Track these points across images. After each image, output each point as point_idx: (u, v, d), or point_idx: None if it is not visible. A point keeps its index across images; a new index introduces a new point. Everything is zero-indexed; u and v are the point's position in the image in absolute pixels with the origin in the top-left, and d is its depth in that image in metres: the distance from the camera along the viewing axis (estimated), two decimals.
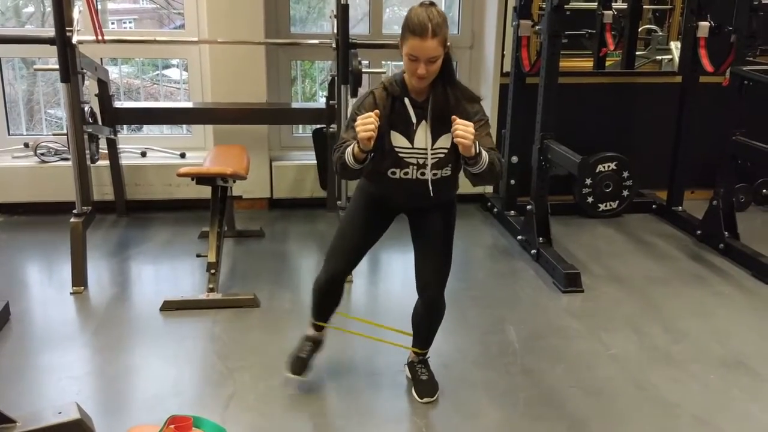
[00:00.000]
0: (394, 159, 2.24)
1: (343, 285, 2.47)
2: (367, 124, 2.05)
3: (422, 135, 2.22)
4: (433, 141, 2.23)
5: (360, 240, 2.42)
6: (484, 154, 2.14)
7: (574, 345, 2.92)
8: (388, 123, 2.19)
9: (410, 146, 2.23)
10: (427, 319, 2.49)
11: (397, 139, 2.23)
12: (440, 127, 2.22)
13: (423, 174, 2.25)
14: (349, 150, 2.14)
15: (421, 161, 2.24)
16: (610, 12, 4.41)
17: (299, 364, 2.54)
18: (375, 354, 2.73)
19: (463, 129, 2.05)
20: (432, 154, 2.23)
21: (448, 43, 2.15)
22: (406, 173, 2.26)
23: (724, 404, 2.53)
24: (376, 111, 2.10)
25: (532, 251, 3.77)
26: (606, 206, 4.43)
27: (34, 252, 3.81)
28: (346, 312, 3.24)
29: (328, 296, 2.50)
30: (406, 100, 2.22)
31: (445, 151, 2.24)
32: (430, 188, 2.26)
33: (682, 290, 3.48)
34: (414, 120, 2.22)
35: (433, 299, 2.42)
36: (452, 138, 2.10)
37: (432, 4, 2.14)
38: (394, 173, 2.27)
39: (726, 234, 3.88)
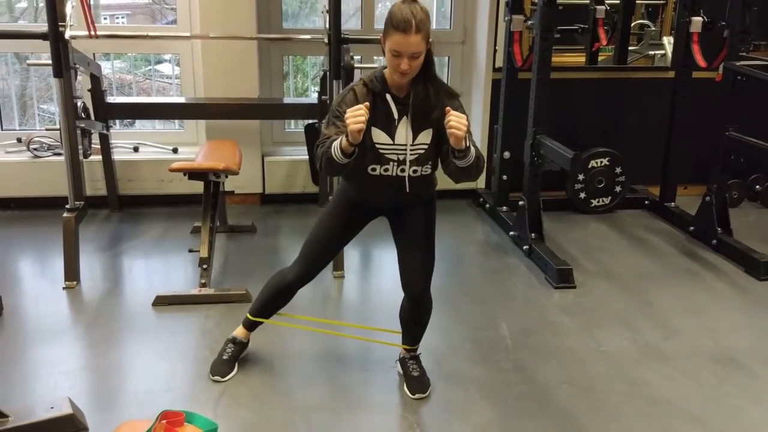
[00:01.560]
0: (375, 155, 2.24)
1: (298, 290, 2.53)
2: (358, 116, 2.04)
3: (403, 131, 2.22)
4: (414, 137, 2.23)
5: (334, 248, 2.51)
6: (472, 147, 2.14)
7: (566, 341, 2.93)
8: (370, 119, 2.17)
9: (391, 142, 2.23)
10: (413, 316, 2.50)
11: (378, 136, 2.22)
12: (421, 123, 2.22)
13: (403, 171, 2.26)
14: (336, 144, 2.12)
15: (401, 157, 2.24)
16: (603, 7, 4.39)
17: (222, 367, 2.58)
18: (367, 350, 2.73)
19: (456, 120, 2.04)
20: (412, 150, 2.23)
21: (431, 39, 2.15)
22: (386, 170, 2.26)
23: (716, 401, 2.54)
24: (366, 104, 2.09)
25: (525, 247, 3.77)
26: (598, 202, 4.43)
27: (26, 246, 3.80)
28: (343, 308, 3.25)
29: (284, 297, 2.55)
30: (388, 96, 2.21)
31: (425, 147, 2.24)
32: (407, 184, 2.26)
33: (675, 286, 3.49)
34: (396, 116, 2.22)
35: (418, 296, 2.42)
36: (444, 129, 2.07)
37: (415, 0, 2.13)
38: (374, 170, 2.26)
39: (719, 230, 3.89)
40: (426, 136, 2.23)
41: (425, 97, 2.20)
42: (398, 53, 2.10)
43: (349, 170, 2.21)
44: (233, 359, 2.61)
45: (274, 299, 2.57)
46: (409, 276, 2.39)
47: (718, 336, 3.00)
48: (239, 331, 2.64)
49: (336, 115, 2.19)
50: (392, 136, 2.23)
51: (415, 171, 2.27)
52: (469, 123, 2.15)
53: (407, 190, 2.27)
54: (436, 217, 2.44)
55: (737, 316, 3.20)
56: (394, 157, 2.24)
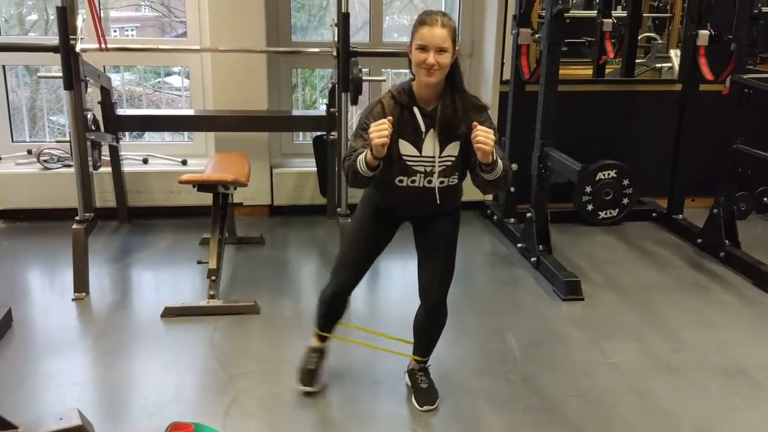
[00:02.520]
0: (402, 167, 2.26)
1: (348, 298, 2.50)
2: (381, 130, 2.06)
3: (430, 143, 2.24)
4: (441, 149, 2.25)
5: (367, 253, 2.44)
6: (499, 161, 2.16)
7: (575, 353, 2.93)
8: (397, 131, 2.20)
9: (418, 154, 2.25)
10: (429, 327, 2.50)
11: (405, 148, 2.24)
12: (448, 135, 2.24)
13: (430, 182, 2.28)
14: (361, 158, 2.14)
15: (428, 169, 2.26)
16: (610, 20, 4.42)
17: (309, 376, 2.56)
18: (375, 361, 2.73)
19: (484, 135, 2.06)
20: (440, 162, 2.25)
21: (458, 47, 2.19)
22: (414, 181, 2.28)
23: (725, 414, 2.53)
24: (389, 117, 2.11)
25: (532, 259, 3.77)
26: (606, 214, 4.43)
27: (36, 258, 3.82)
28: (347, 320, 3.25)
29: (334, 309, 2.53)
30: (416, 109, 2.23)
31: (453, 159, 2.26)
32: (437, 196, 2.28)
33: (683, 299, 3.48)
34: (423, 128, 2.23)
35: (435, 305, 2.43)
36: (471, 143, 2.10)
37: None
38: (401, 181, 2.28)
39: (727, 242, 3.88)
40: (454, 149, 2.25)
41: (453, 110, 2.22)
42: (424, 47, 2.12)
43: (376, 181, 2.23)
44: (319, 368, 2.58)
45: (325, 313, 2.55)
46: (427, 285, 2.41)
47: (727, 348, 2.99)
48: (315, 342, 2.62)
49: (363, 128, 2.20)
50: (419, 149, 2.24)
51: (442, 182, 2.28)
52: (498, 135, 2.19)
53: (438, 202, 2.29)
54: (459, 230, 2.45)
55: (746, 329, 3.19)
56: (422, 169, 2.26)
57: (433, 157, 2.25)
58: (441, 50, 2.13)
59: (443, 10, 4.70)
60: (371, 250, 2.44)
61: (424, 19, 2.15)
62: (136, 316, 3.18)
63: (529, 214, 3.86)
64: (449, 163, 2.27)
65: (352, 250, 2.45)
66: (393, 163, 2.24)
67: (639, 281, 3.67)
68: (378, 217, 2.42)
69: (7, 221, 4.26)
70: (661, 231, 4.44)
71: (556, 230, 4.02)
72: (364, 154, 2.14)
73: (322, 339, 2.61)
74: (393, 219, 2.44)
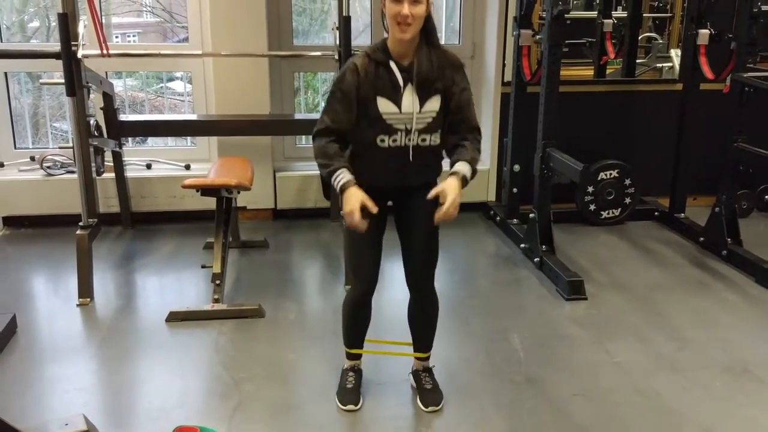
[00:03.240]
0: (383, 126, 2.23)
1: (371, 302, 2.47)
2: (356, 223, 2.14)
3: (409, 99, 2.22)
4: (421, 105, 2.22)
5: (377, 248, 2.40)
6: (467, 173, 2.20)
7: (579, 353, 2.93)
8: (374, 89, 2.19)
9: (398, 111, 2.21)
10: (422, 316, 2.50)
11: (385, 105, 2.21)
12: (427, 90, 2.22)
13: (412, 140, 2.25)
14: (337, 184, 2.18)
15: (409, 126, 2.23)
16: (610, 21, 4.43)
17: (350, 395, 2.52)
18: (379, 363, 2.74)
19: (446, 215, 2.14)
20: (419, 118, 2.23)
21: (431, 1, 2.17)
22: (395, 140, 2.24)
23: (729, 412, 2.53)
24: (365, 222, 2.16)
25: (536, 259, 3.78)
26: (608, 214, 4.44)
27: (40, 264, 3.84)
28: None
29: (360, 316, 2.50)
30: (392, 64, 2.21)
31: (434, 114, 2.24)
32: (410, 155, 2.25)
33: (686, 297, 3.48)
34: (401, 83, 2.21)
35: (423, 290, 2.42)
36: (451, 97, 2.20)
37: None
38: (383, 141, 2.24)
39: (729, 240, 3.89)
40: (434, 103, 2.23)
41: (429, 64, 2.21)
42: None
43: (357, 145, 2.24)
44: (358, 386, 2.56)
45: (352, 325, 2.53)
46: (413, 271, 2.39)
47: (731, 347, 2.99)
48: (348, 363, 2.60)
49: (334, 92, 2.21)
50: (399, 105, 2.21)
51: (423, 140, 2.25)
52: (473, 101, 2.28)
53: (410, 159, 2.25)
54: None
55: (749, 327, 3.19)
56: (402, 127, 2.23)
57: (412, 113, 2.22)
58: (415, 1, 2.10)
59: (443, 11, 4.74)
60: (379, 244, 2.40)
61: None
62: (140, 321, 3.19)
63: (531, 215, 3.87)
64: (430, 120, 2.24)
65: (362, 252, 2.40)
66: (372, 122, 2.22)
67: (642, 280, 3.67)
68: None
69: (11, 228, 4.28)
70: (664, 230, 4.44)
71: (559, 230, 4.03)
72: (341, 182, 2.17)
73: (354, 357, 2.59)
74: (378, 197, 2.32)
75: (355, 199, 2.16)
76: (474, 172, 2.24)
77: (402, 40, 2.15)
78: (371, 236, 2.34)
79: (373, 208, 2.17)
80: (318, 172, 2.57)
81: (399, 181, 2.32)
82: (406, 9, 2.09)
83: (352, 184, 2.18)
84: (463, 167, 2.21)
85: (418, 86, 2.21)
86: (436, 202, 2.20)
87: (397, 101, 2.21)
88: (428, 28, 2.20)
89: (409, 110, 2.21)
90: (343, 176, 2.18)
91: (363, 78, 2.19)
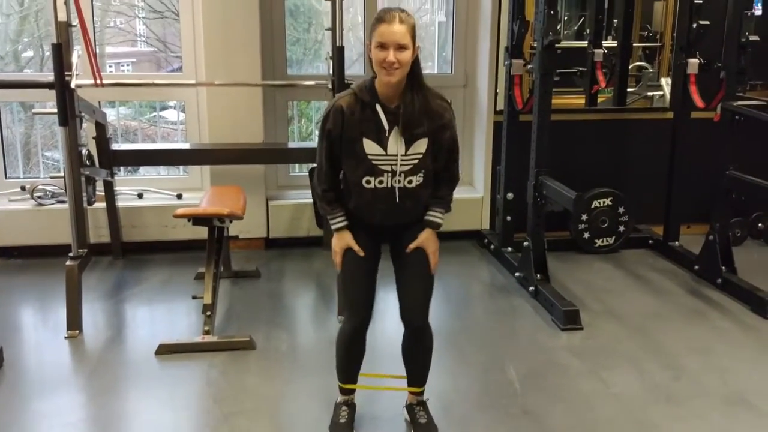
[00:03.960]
0: (368, 167, 2.23)
1: (366, 335, 2.43)
2: (336, 265, 2.35)
3: (395, 141, 2.22)
4: (407, 147, 2.23)
5: (371, 283, 2.38)
6: (439, 219, 2.36)
7: (575, 384, 2.90)
8: (360, 130, 2.21)
9: (383, 153, 2.22)
10: (417, 351, 2.46)
11: (370, 147, 2.22)
12: (413, 133, 2.22)
13: (398, 182, 2.26)
14: (333, 226, 2.34)
15: (395, 168, 2.24)
16: (601, 50, 4.47)
17: (344, 431, 2.48)
18: (373, 397, 2.69)
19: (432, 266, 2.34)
20: (405, 160, 2.23)
21: (418, 45, 2.19)
22: (381, 182, 2.25)
23: None
24: (343, 252, 2.35)
25: (530, 288, 3.76)
26: (602, 242, 4.43)
27: (29, 295, 3.79)
28: None
29: (354, 352, 2.46)
30: (378, 107, 2.22)
31: (419, 156, 2.25)
32: (396, 195, 2.27)
33: (682, 326, 3.46)
34: (386, 126, 2.22)
35: (418, 326, 2.39)
36: (439, 140, 2.26)
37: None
38: (368, 182, 2.25)
39: (723, 268, 3.88)
40: (421, 146, 2.24)
41: (413, 108, 2.21)
42: (383, 44, 2.12)
43: (346, 185, 2.30)
44: (351, 421, 2.51)
45: (346, 358, 2.48)
46: (408, 307, 2.37)
47: (727, 376, 2.96)
48: (341, 397, 2.55)
49: (322, 146, 2.27)
50: (384, 147, 2.22)
51: (410, 182, 2.27)
52: (458, 148, 2.36)
53: (397, 201, 2.27)
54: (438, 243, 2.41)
55: (745, 355, 3.17)
56: (388, 168, 2.24)
57: (397, 155, 2.22)
58: (401, 47, 2.11)
59: (436, 41, 4.78)
60: (372, 276, 2.39)
61: (382, 17, 2.13)
62: (130, 353, 3.14)
63: (525, 243, 3.86)
64: (416, 161, 2.24)
65: (356, 284, 2.38)
66: (359, 162, 2.23)
67: (637, 309, 3.65)
68: (361, 236, 2.36)
69: (0, 258, 4.23)
70: (658, 258, 4.43)
71: (554, 259, 4.01)
72: (335, 227, 2.33)
73: (347, 392, 2.55)
74: (372, 234, 2.37)
75: (342, 242, 2.34)
76: (449, 207, 2.41)
77: (389, 83, 2.17)
78: (365, 270, 2.36)
79: (359, 252, 2.32)
80: (311, 200, 2.65)
81: (389, 220, 2.35)
82: (391, 56, 2.12)
83: (344, 229, 2.34)
84: (437, 217, 2.37)
85: (404, 129, 2.22)
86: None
87: (383, 143, 2.23)
88: (415, 72, 2.22)
89: (394, 152, 2.23)
90: (338, 221, 2.34)
91: (348, 118, 2.21)
